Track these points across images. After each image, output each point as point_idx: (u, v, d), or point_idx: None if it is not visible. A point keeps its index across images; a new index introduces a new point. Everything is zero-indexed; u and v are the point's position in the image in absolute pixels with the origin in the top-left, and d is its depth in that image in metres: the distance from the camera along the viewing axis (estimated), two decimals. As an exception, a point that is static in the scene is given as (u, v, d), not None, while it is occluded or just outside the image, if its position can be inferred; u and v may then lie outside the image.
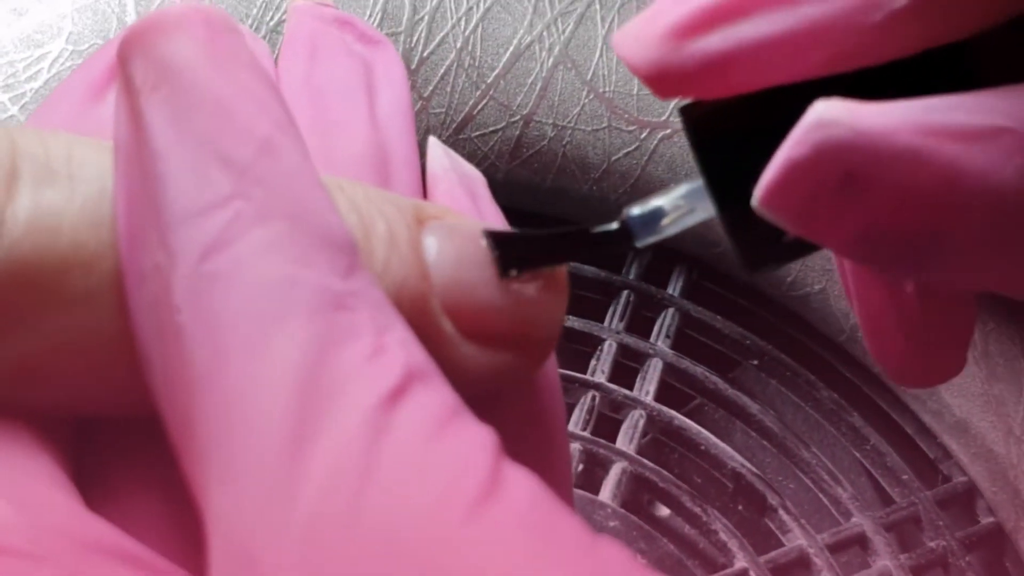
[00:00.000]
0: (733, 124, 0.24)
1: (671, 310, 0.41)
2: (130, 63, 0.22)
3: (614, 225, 0.25)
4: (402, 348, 0.20)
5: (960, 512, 0.39)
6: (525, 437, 0.24)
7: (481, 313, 0.24)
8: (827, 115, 0.21)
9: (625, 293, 0.41)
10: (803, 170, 0.22)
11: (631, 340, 0.40)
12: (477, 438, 0.20)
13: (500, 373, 0.25)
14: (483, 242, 0.25)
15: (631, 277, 0.42)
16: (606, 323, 0.40)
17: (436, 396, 0.20)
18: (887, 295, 0.28)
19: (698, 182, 0.25)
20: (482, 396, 0.21)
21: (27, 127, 0.23)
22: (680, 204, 0.25)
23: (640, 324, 0.41)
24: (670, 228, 0.26)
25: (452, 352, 0.24)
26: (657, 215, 0.25)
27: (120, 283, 0.22)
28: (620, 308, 0.41)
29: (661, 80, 0.24)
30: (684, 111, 0.25)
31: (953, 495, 0.39)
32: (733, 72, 0.23)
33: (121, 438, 0.24)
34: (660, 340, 0.40)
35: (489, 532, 0.18)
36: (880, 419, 0.40)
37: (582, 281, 0.41)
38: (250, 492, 0.19)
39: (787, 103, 0.24)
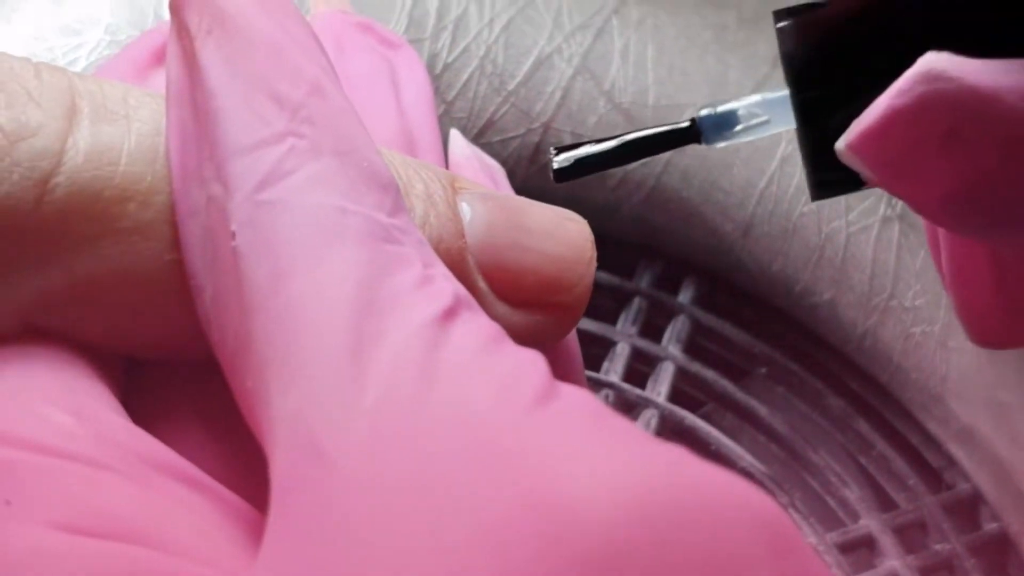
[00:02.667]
0: (831, 40, 0.24)
1: (682, 317, 0.42)
2: (184, 9, 0.24)
3: (684, 123, 0.26)
4: (447, 281, 0.21)
5: (965, 518, 0.40)
6: None
7: (513, 274, 0.25)
8: (936, 67, 0.22)
9: (637, 299, 0.42)
10: (905, 121, 0.22)
11: (643, 343, 0.41)
12: (529, 354, 0.20)
13: (531, 333, 0.26)
14: (506, 203, 0.26)
15: (643, 284, 0.42)
16: (618, 327, 0.41)
17: (484, 320, 0.21)
18: (980, 246, 0.27)
19: (780, 92, 0.25)
20: None
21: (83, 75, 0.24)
22: (756, 112, 0.26)
23: (652, 330, 0.42)
24: (743, 134, 0.26)
25: (488, 310, 0.25)
26: (730, 119, 0.26)
27: (175, 217, 0.23)
28: (632, 314, 0.42)
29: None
30: (779, 14, 0.25)
31: (958, 501, 0.40)
32: None
33: (168, 385, 0.24)
34: (671, 345, 0.41)
35: (554, 419, 0.19)
36: (886, 427, 0.41)
37: (594, 287, 0.42)
38: (315, 391, 0.19)
39: (892, 31, 0.24)
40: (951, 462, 0.40)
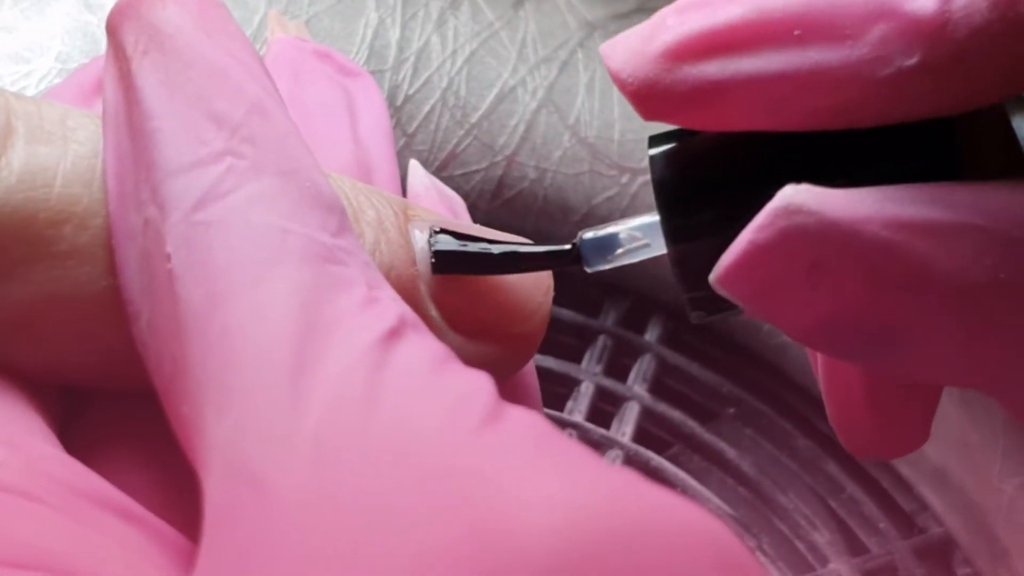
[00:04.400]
0: (701, 168, 0.24)
1: (648, 356, 0.41)
2: (120, 30, 0.23)
3: (567, 247, 0.25)
4: (393, 302, 0.21)
5: (937, 563, 0.39)
6: None
7: (466, 304, 0.25)
8: (796, 200, 0.21)
9: (602, 338, 0.41)
10: (766, 256, 0.21)
11: (608, 382, 0.40)
12: (476, 375, 0.20)
13: (486, 365, 0.25)
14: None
15: (608, 323, 0.41)
16: (583, 365, 0.40)
17: (432, 341, 0.20)
18: (851, 367, 0.27)
19: (655, 216, 0.24)
20: None
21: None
22: (636, 235, 0.25)
23: (617, 369, 0.41)
24: (623, 259, 0.25)
25: (440, 340, 0.24)
26: (612, 243, 0.25)
27: (112, 241, 0.22)
28: (597, 352, 0.41)
29: (649, 99, 0.23)
30: (653, 140, 0.24)
31: (930, 546, 0.39)
32: (724, 105, 0.22)
33: (105, 413, 0.24)
34: (637, 385, 0.40)
35: (500, 442, 0.18)
36: (856, 469, 0.40)
37: (559, 324, 0.41)
38: (252, 416, 0.19)
39: (760, 159, 0.23)
40: (923, 505, 0.40)
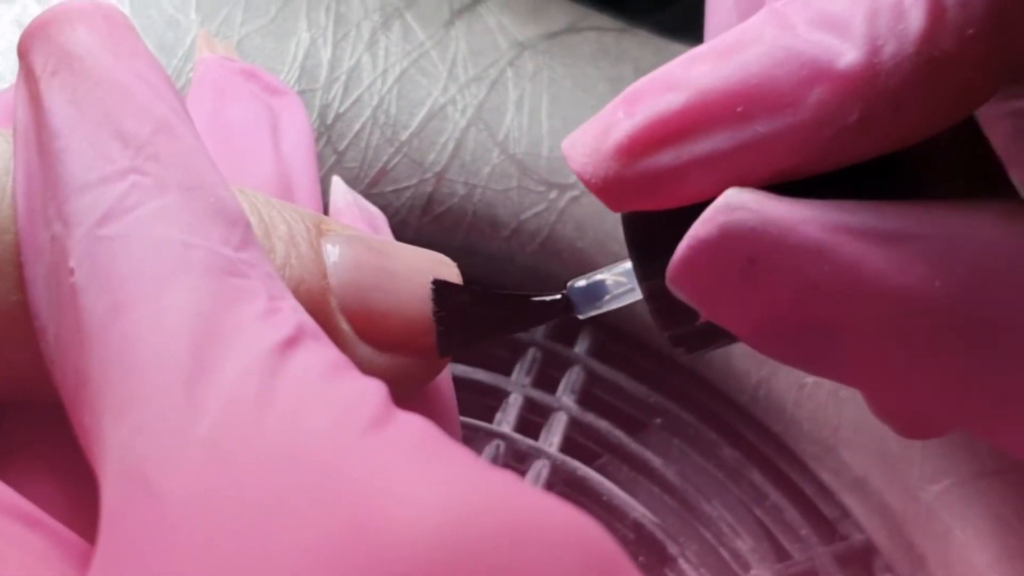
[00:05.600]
0: (669, 229, 0.24)
1: (577, 367, 0.42)
2: (31, 52, 0.24)
3: (557, 296, 0.27)
4: (294, 312, 0.22)
5: (858, 568, 0.40)
6: None
7: (378, 317, 0.25)
8: (735, 199, 0.23)
9: (532, 350, 0.42)
10: (708, 249, 0.23)
11: (537, 394, 0.41)
12: (369, 382, 0.21)
13: (396, 376, 0.26)
14: (371, 245, 0.26)
15: (538, 335, 0.42)
16: (512, 377, 0.41)
17: (329, 350, 0.21)
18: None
19: (633, 271, 0.26)
20: None
21: None
22: (623, 281, 0.26)
23: (546, 381, 0.42)
24: (612, 303, 0.27)
25: (350, 352, 0.25)
26: (600, 290, 0.27)
27: (20, 258, 0.22)
28: (527, 364, 0.42)
29: (612, 195, 0.24)
30: (624, 215, 0.26)
31: (851, 552, 0.40)
32: (683, 186, 0.24)
33: (14, 424, 0.24)
34: (565, 396, 0.41)
35: (386, 444, 0.19)
36: (780, 477, 0.41)
37: (490, 337, 0.42)
38: (147, 421, 0.19)
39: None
40: (845, 513, 0.40)
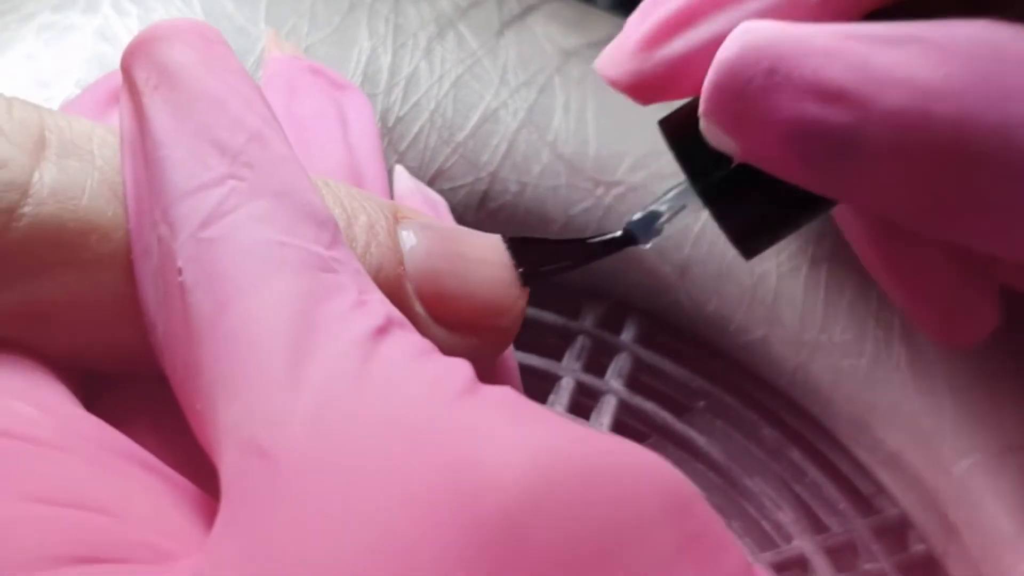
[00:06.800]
0: (695, 133, 0.27)
1: (624, 354, 0.44)
2: (133, 68, 0.26)
3: (618, 233, 0.29)
4: (382, 304, 0.24)
5: (893, 540, 0.42)
6: None
7: (449, 299, 0.27)
8: (750, 24, 0.25)
9: (581, 338, 0.44)
10: (731, 68, 0.25)
11: (587, 378, 0.43)
12: (456, 360, 0.23)
13: (466, 355, 0.28)
14: (444, 233, 0.28)
15: (587, 324, 0.45)
16: (563, 363, 0.43)
17: (415, 336, 0.23)
18: (916, 269, 0.31)
19: (684, 183, 0.29)
20: None
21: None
22: (673, 205, 0.29)
23: (595, 366, 0.44)
24: (668, 226, 0.29)
25: (425, 333, 0.27)
26: (654, 217, 0.29)
27: (130, 255, 0.24)
28: (577, 351, 0.44)
29: (639, 88, 0.28)
30: (661, 123, 0.29)
31: (886, 524, 0.42)
32: (696, 70, 0.27)
33: (123, 394, 0.26)
34: (614, 380, 0.43)
35: (476, 407, 0.21)
36: (818, 456, 0.43)
37: (541, 326, 0.44)
38: (255, 401, 0.21)
39: None
40: (880, 488, 0.43)
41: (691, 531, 0.20)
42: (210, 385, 0.22)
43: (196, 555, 0.21)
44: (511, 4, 0.47)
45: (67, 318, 0.24)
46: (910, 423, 0.42)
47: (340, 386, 0.21)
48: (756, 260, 0.43)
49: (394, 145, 0.43)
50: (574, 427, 0.21)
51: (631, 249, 0.43)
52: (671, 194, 0.29)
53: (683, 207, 0.29)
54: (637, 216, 0.29)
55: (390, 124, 0.43)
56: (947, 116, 0.24)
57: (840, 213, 0.32)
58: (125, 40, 0.39)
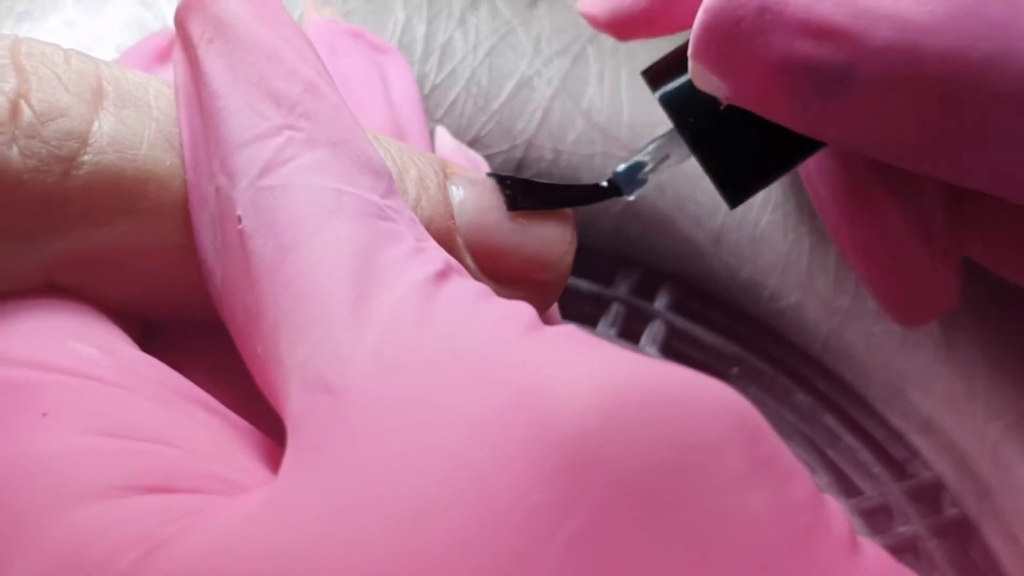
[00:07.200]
0: (679, 79, 0.28)
1: (658, 321, 0.44)
2: (187, 21, 0.26)
3: (604, 183, 0.30)
4: (439, 251, 0.24)
5: (927, 503, 0.42)
6: None
7: (498, 253, 0.28)
8: None
9: (615, 305, 0.45)
10: (721, 9, 0.25)
11: (622, 343, 0.43)
12: (517, 303, 0.23)
13: None
14: (494, 187, 0.28)
15: (621, 292, 0.45)
16: (598, 330, 0.44)
17: (474, 282, 0.23)
18: (878, 235, 0.31)
19: (668, 131, 0.29)
20: None
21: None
22: (656, 154, 0.29)
23: (630, 334, 0.44)
24: (652, 175, 0.30)
25: None
26: (638, 167, 0.30)
27: (188, 205, 0.25)
28: (611, 318, 0.44)
29: (618, 24, 0.29)
30: (645, 73, 0.30)
31: (920, 488, 0.42)
32: (680, 5, 0.28)
33: (181, 342, 0.27)
34: (648, 347, 0.44)
35: (542, 341, 0.22)
36: (851, 421, 0.44)
37: (576, 293, 0.45)
38: (320, 340, 0.22)
39: None
40: (913, 453, 0.43)
41: (762, 455, 0.20)
42: (273, 328, 0.22)
43: (267, 487, 0.21)
44: (544, -25, 0.47)
45: (126, 266, 0.24)
46: (943, 387, 0.42)
47: (404, 325, 0.21)
48: (789, 227, 0.43)
49: (430, 113, 0.43)
50: (642, 357, 0.21)
51: (665, 216, 0.44)
52: (654, 145, 0.30)
53: (667, 156, 0.29)
54: (622, 167, 0.30)
55: (426, 92, 0.43)
56: (935, 50, 0.24)
57: (810, 180, 0.32)
58: (163, 4, 0.39)
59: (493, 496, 0.19)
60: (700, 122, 0.28)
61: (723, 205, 0.44)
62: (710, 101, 0.27)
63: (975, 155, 0.25)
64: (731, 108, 0.27)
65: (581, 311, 0.45)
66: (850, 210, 0.31)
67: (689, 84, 0.28)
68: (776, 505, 0.20)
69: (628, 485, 0.19)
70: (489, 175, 0.29)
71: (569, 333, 0.22)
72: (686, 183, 0.44)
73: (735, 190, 0.29)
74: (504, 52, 0.45)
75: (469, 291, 0.23)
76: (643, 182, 0.30)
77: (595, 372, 0.20)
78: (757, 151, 0.28)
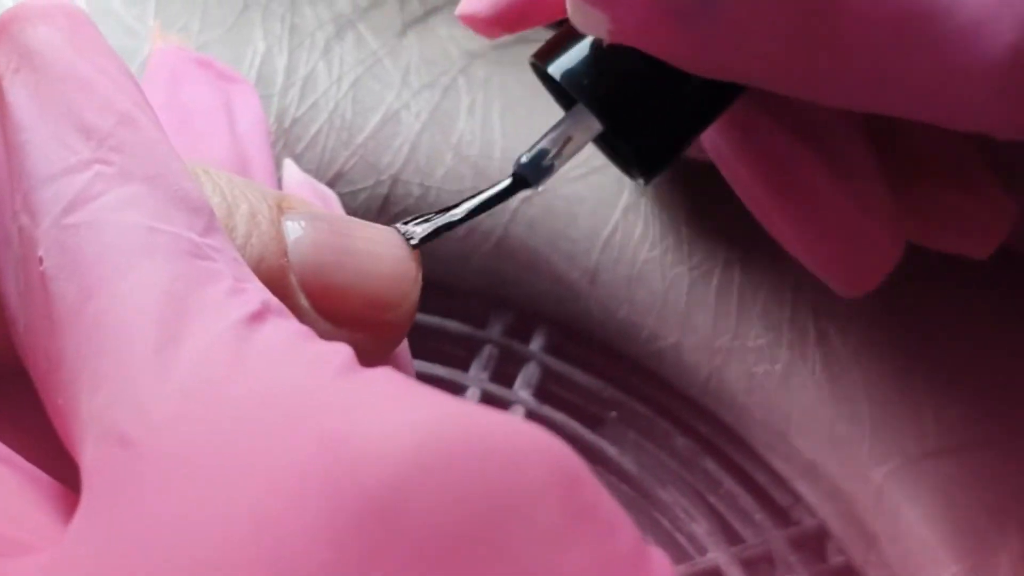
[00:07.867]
0: (571, 49, 0.28)
1: (532, 364, 0.43)
2: None
3: (507, 181, 0.29)
4: (259, 292, 0.22)
5: (811, 552, 0.41)
6: None
7: (335, 292, 0.26)
8: None
9: (488, 347, 0.43)
10: None
11: (494, 388, 0.42)
12: (336, 343, 0.21)
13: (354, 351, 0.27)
14: (336, 222, 0.26)
15: (494, 334, 0.43)
16: (470, 373, 0.42)
17: (294, 323, 0.22)
18: (806, 201, 0.31)
19: (566, 115, 0.29)
20: None
21: None
22: (558, 139, 0.28)
23: (503, 377, 0.42)
24: (558, 161, 0.28)
25: (309, 327, 0.25)
26: (542, 155, 0.29)
27: None
28: (483, 361, 0.42)
29: (499, 20, 0.28)
30: (532, 59, 0.30)
31: (804, 536, 0.41)
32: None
33: None
34: (522, 390, 0.42)
35: (357, 384, 0.20)
36: (733, 466, 0.42)
37: (446, 335, 0.43)
38: (121, 387, 0.20)
39: None
40: (797, 498, 0.41)
41: (581, 506, 0.19)
42: (73, 376, 0.21)
43: (51, 548, 0.20)
44: (413, 5, 0.46)
45: None
46: (827, 430, 0.41)
47: (211, 370, 0.20)
48: (667, 265, 0.41)
49: (290, 147, 0.41)
50: (457, 402, 0.20)
51: (538, 254, 0.42)
52: (555, 131, 0.29)
53: (569, 139, 0.28)
54: (525, 158, 0.29)
55: (286, 125, 0.41)
56: None
57: (728, 164, 0.32)
58: None
59: (284, 555, 0.18)
60: (599, 88, 0.27)
61: (598, 243, 0.43)
62: (606, 66, 0.27)
63: (833, 65, 0.26)
64: (631, 71, 0.27)
65: (452, 354, 0.43)
66: (774, 184, 0.31)
67: (582, 52, 0.28)
68: (596, 562, 0.19)
69: (431, 541, 0.18)
70: (394, 227, 0.28)
71: (385, 375, 0.21)
72: (557, 219, 0.42)
73: (648, 160, 0.28)
74: (370, 84, 0.43)
75: (285, 332, 0.21)
76: (549, 169, 0.29)
77: (405, 419, 0.19)
78: (663, 113, 0.28)
